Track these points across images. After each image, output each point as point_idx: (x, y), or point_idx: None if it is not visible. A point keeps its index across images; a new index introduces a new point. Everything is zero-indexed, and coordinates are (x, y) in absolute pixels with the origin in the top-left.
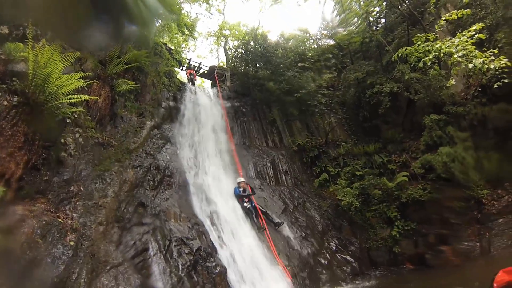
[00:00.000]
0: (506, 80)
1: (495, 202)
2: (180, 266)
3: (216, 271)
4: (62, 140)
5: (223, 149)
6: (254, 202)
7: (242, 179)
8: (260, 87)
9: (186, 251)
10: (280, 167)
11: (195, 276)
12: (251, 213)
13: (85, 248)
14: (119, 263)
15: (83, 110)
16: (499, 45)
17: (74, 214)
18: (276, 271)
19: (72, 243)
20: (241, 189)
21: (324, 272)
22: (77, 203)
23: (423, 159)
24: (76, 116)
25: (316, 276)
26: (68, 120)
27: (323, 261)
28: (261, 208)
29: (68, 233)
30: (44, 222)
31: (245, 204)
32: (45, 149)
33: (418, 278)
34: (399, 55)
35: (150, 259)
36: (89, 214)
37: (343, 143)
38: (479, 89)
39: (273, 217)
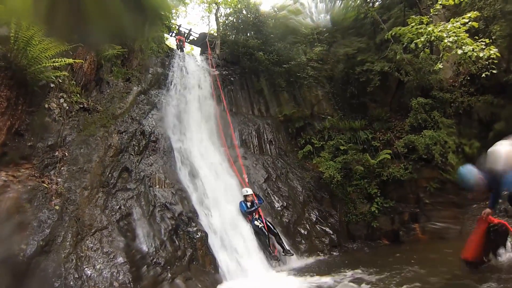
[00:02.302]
0: (494, 71)
1: None
2: (162, 230)
3: (197, 236)
4: (46, 105)
5: (209, 116)
6: (262, 218)
7: (249, 191)
8: (250, 56)
9: (168, 215)
10: (265, 136)
11: (176, 240)
12: (263, 236)
13: (70, 212)
14: (104, 227)
15: (68, 74)
16: (493, 37)
17: (59, 179)
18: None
19: (57, 207)
20: (248, 204)
21: (304, 242)
22: (62, 168)
23: (406, 139)
24: (61, 81)
25: (295, 245)
26: (52, 85)
27: (302, 231)
28: (272, 228)
29: (53, 197)
30: (29, 187)
31: (255, 222)
32: (28, 114)
33: (391, 253)
34: (393, 34)
35: (134, 223)
36: (74, 179)
37: (328, 117)
38: (468, 77)
39: (283, 240)
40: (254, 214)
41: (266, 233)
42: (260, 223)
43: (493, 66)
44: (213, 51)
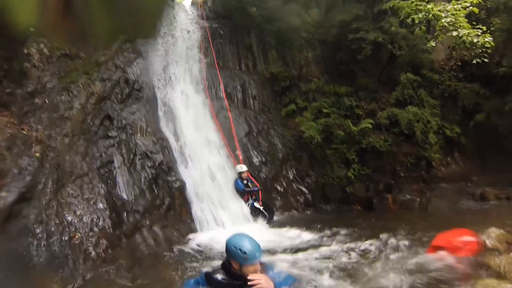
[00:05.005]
0: (486, 60)
1: (443, 168)
2: (142, 179)
3: (176, 185)
4: (25, 51)
5: (196, 68)
6: (260, 201)
7: (244, 168)
8: (242, 11)
9: (149, 164)
10: (250, 92)
11: (155, 189)
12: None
13: (50, 159)
14: (84, 173)
15: None
16: (492, 29)
17: (39, 126)
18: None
19: (37, 154)
20: (245, 182)
21: (279, 198)
22: (42, 115)
23: (390, 111)
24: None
25: (271, 201)
26: (31, 29)
27: (279, 188)
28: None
29: (33, 144)
30: (8, 135)
31: (254, 204)
32: (6, 60)
33: (362, 217)
34: (391, 6)
35: (115, 171)
36: (54, 126)
37: (315, 79)
38: (459, 63)
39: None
40: (252, 195)
41: (264, 212)
42: (260, 206)
43: (486, 55)
44: (205, 3)
